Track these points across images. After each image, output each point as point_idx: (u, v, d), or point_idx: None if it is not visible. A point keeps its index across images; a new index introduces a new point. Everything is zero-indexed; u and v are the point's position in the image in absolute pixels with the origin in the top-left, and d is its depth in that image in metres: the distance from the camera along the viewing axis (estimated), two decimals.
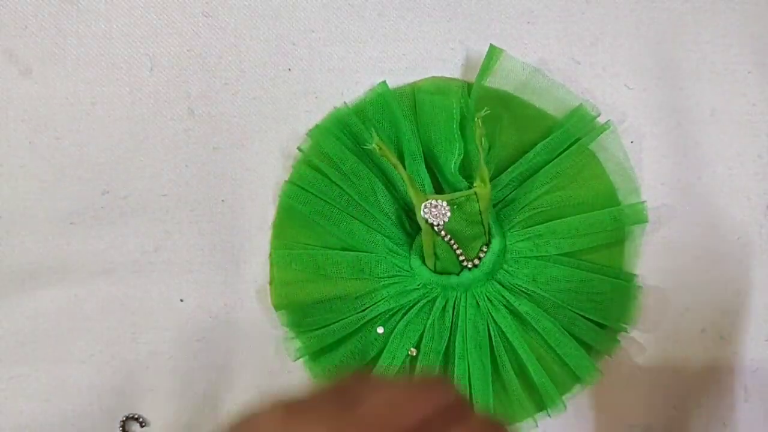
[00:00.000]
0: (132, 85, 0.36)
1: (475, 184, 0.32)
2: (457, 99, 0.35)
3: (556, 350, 0.34)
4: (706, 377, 0.37)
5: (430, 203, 0.32)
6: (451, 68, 0.37)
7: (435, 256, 0.34)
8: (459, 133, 0.34)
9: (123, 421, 0.36)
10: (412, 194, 0.32)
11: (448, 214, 0.32)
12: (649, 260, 0.37)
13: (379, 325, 0.35)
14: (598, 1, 0.38)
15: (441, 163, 0.35)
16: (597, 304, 0.35)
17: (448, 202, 0.32)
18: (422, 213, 0.32)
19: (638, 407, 0.37)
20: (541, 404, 0.35)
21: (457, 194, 0.32)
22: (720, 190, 0.38)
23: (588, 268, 0.35)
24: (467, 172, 0.35)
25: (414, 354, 0.35)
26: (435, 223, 0.32)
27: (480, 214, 0.33)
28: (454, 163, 0.34)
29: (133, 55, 0.36)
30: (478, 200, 0.32)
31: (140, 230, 0.36)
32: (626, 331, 0.36)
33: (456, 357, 0.34)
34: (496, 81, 0.36)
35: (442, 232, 0.33)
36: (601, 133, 0.35)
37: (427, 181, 0.35)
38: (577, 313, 0.35)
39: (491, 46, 0.35)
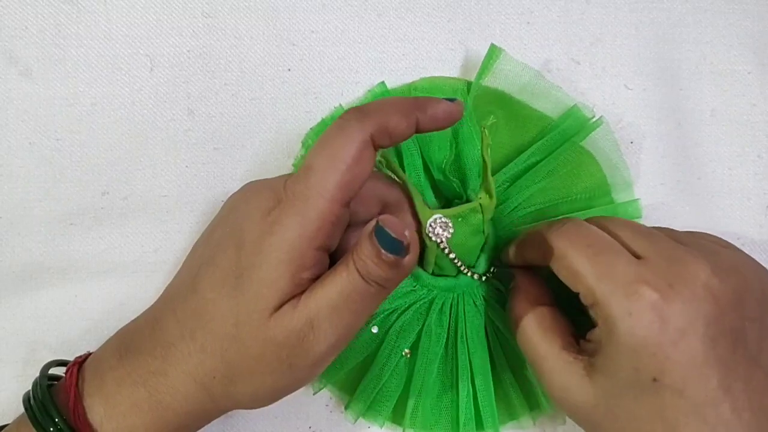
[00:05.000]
0: (132, 85, 0.36)
1: (479, 196, 0.32)
2: (450, 97, 0.35)
3: None
4: None
5: (435, 221, 0.32)
6: (450, 69, 0.37)
7: (435, 264, 0.34)
8: (449, 131, 0.34)
9: None
10: (418, 210, 0.32)
11: (452, 230, 0.32)
12: None
13: (373, 325, 0.35)
14: (598, 2, 0.38)
15: (434, 161, 0.35)
16: None
17: (453, 216, 0.32)
18: (427, 231, 0.32)
19: None
20: (539, 402, 0.35)
21: (463, 207, 0.32)
22: (720, 190, 0.38)
23: None
24: (461, 171, 0.35)
25: (408, 355, 0.35)
26: (439, 241, 0.32)
27: (483, 224, 0.33)
28: (445, 162, 0.34)
29: (133, 55, 0.36)
30: (482, 212, 0.32)
31: (140, 230, 0.36)
32: None
33: (459, 358, 0.34)
34: (493, 81, 0.36)
35: (446, 250, 0.33)
36: (594, 129, 0.35)
37: (426, 185, 0.35)
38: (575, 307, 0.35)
39: (492, 45, 0.35)
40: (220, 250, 0.28)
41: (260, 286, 0.26)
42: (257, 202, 0.27)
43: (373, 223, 0.26)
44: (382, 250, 0.25)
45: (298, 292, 0.26)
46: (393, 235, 0.25)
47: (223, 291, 0.27)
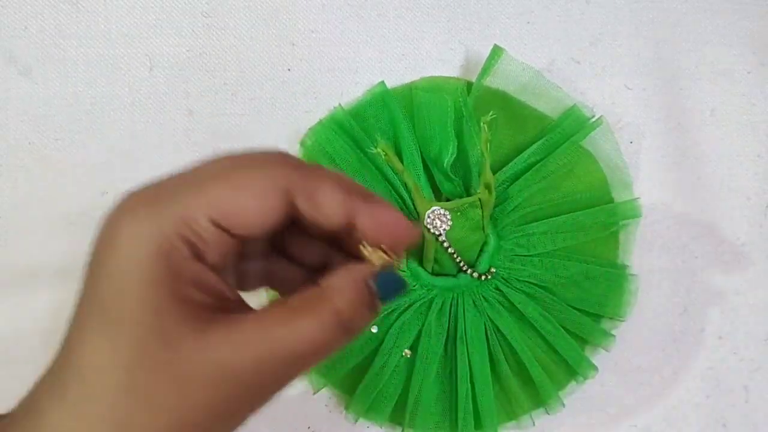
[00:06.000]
0: (132, 85, 0.36)
1: (478, 191, 0.32)
2: (452, 96, 0.35)
3: (552, 346, 0.35)
4: (706, 377, 0.37)
5: (434, 212, 0.32)
6: (450, 68, 0.37)
7: (434, 260, 0.34)
8: (453, 130, 0.34)
9: None
10: (417, 202, 0.32)
11: (450, 223, 0.32)
12: (648, 260, 0.37)
13: (373, 325, 0.35)
14: (598, 1, 0.38)
15: (435, 160, 0.35)
16: (592, 295, 0.35)
17: (451, 210, 0.32)
18: (425, 222, 0.32)
19: (638, 407, 0.37)
20: (539, 402, 0.35)
21: (461, 201, 0.32)
22: (720, 190, 0.38)
23: (582, 260, 0.35)
24: (463, 169, 0.35)
25: (408, 355, 0.35)
26: (437, 233, 0.32)
27: (482, 219, 0.33)
28: (447, 161, 0.34)
29: (133, 55, 0.36)
30: (481, 207, 0.32)
31: None
32: (622, 320, 0.36)
33: (458, 358, 0.34)
34: (494, 81, 0.36)
35: (445, 243, 0.33)
36: (593, 129, 0.35)
37: (425, 184, 0.35)
38: (574, 307, 0.35)
39: (495, 45, 0.35)
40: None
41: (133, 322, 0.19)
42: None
43: (368, 270, 0.20)
44: (378, 300, 0.21)
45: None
46: (398, 284, 0.21)
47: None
